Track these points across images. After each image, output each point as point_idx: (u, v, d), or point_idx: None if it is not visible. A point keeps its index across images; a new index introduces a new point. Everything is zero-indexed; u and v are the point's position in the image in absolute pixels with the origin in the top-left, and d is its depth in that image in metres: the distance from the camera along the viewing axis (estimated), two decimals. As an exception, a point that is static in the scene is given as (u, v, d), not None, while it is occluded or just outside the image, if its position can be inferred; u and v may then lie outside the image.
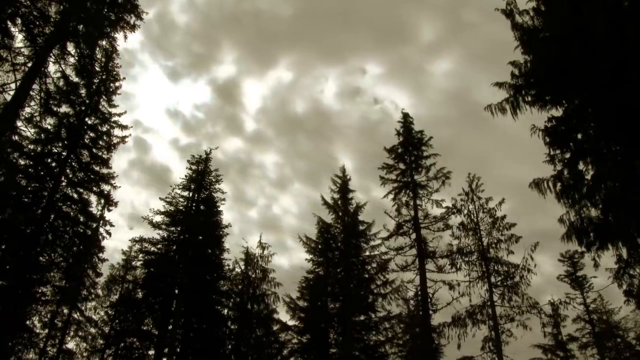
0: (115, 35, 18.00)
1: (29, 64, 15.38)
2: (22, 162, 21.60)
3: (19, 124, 19.04)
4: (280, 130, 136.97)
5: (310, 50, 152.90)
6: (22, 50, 15.63)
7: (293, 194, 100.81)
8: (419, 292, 21.62)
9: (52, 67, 16.96)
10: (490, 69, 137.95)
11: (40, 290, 21.77)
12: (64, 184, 22.18)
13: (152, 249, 25.95)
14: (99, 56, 18.03)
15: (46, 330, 23.04)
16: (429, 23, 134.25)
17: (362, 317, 24.03)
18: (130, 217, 67.82)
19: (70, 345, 26.14)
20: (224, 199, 28.18)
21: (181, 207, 26.97)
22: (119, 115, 24.38)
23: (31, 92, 15.83)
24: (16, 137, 20.50)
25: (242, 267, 26.76)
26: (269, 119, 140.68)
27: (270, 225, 78.93)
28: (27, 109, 18.01)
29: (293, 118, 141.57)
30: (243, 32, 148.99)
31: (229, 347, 25.09)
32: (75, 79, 18.76)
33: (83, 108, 23.20)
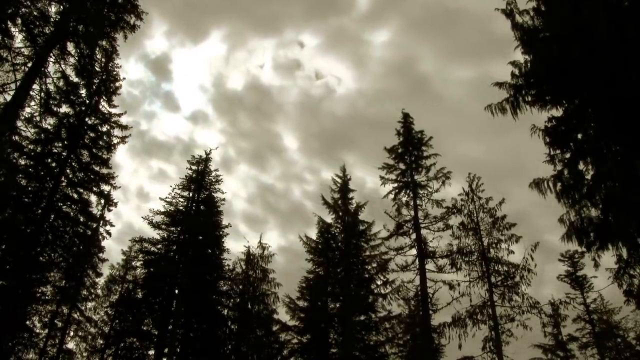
0: (115, 36, 18.01)
1: (29, 64, 15.37)
2: (22, 162, 21.62)
3: (19, 124, 19.07)
4: (220, 108, 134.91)
5: (242, 21, 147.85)
6: (22, 50, 15.63)
7: (240, 176, 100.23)
8: (419, 292, 21.59)
9: (52, 67, 16.92)
10: (433, 39, 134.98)
11: (40, 290, 21.78)
12: (64, 184, 22.19)
13: (152, 249, 25.99)
14: (99, 56, 18.01)
15: (46, 330, 23.06)
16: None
17: (362, 317, 24.02)
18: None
19: (70, 345, 26.23)
20: (223, 199, 28.26)
21: (181, 207, 27.00)
22: (119, 115, 24.44)
23: (31, 92, 15.82)
24: (16, 137, 20.51)
25: (243, 267, 26.80)
26: (206, 96, 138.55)
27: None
28: (27, 109, 18.00)
29: (231, 95, 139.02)
30: (171, 2, 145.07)
31: (229, 347, 25.10)
32: (75, 79, 18.73)
33: (83, 108, 23.19)
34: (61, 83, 18.89)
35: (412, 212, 23.00)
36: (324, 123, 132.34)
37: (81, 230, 22.45)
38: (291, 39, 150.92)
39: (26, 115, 19.02)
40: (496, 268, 20.87)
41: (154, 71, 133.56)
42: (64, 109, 22.05)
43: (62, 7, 15.85)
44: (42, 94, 17.24)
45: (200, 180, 27.92)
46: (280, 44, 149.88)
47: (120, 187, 36.75)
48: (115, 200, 23.93)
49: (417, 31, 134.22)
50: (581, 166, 13.05)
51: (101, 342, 26.77)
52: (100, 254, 24.22)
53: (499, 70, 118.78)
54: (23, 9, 14.91)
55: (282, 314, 25.29)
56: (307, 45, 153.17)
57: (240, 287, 26.47)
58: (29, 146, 21.88)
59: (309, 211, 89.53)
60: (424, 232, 22.47)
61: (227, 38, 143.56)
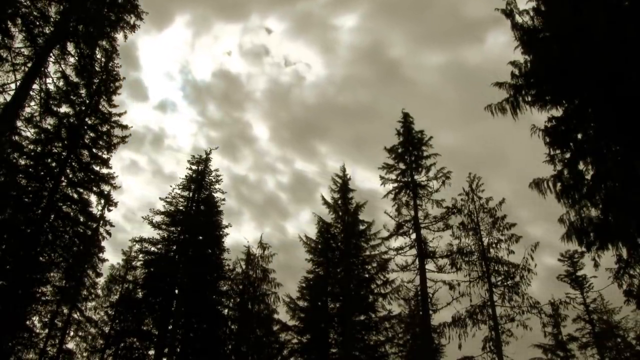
0: (115, 35, 18.03)
1: (29, 64, 15.39)
2: (22, 162, 21.61)
3: (19, 124, 19.14)
4: (188, 96, 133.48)
5: (205, 6, 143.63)
6: (22, 50, 15.65)
7: (212, 166, 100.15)
8: (419, 292, 21.62)
9: (52, 67, 16.98)
10: (403, 24, 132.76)
11: (40, 290, 21.78)
12: (64, 184, 22.19)
13: (152, 249, 26.01)
14: (99, 56, 18.05)
15: (46, 330, 23.06)
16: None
17: (362, 317, 24.02)
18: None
19: (70, 345, 26.21)
20: (224, 199, 28.28)
21: (181, 207, 27.02)
22: (119, 115, 24.44)
23: (31, 92, 15.85)
24: (16, 137, 20.53)
25: (243, 267, 26.80)
26: (174, 84, 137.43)
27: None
28: (27, 109, 18.08)
29: (199, 83, 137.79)
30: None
31: (229, 347, 25.10)
32: (75, 79, 18.79)
33: (83, 108, 23.19)
34: (61, 83, 18.98)
35: (412, 212, 23.00)
36: (294, 111, 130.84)
37: (81, 230, 22.44)
38: (257, 24, 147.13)
39: (26, 115, 19.09)
40: (496, 268, 20.88)
41: (119, 59, 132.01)
42: (64, 109, 22.14)
43: (62, 7, 15.85)
44: (42, 94, 17.29)
45: (200, 180, 27.95)
46: (246, 30, 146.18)
47: (120, 186, 36.67)
48: (115, 200, 23.95)
49: (386, 15, 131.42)
50: (581, 166, 13.05)
51: (101, 342, 26.76)
52: (100, 254, 24.20)
53: (471, 55, 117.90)
54: (23, 9, 14.92)
55: (283, 314, 25.33)
56: (274, 31, 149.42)
57: (240, 287, 26.47)
58: (29, 146, 21.87)
59: (284, 203, 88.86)
60: (424, 232, 22.49)
61: (191, 24, 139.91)
